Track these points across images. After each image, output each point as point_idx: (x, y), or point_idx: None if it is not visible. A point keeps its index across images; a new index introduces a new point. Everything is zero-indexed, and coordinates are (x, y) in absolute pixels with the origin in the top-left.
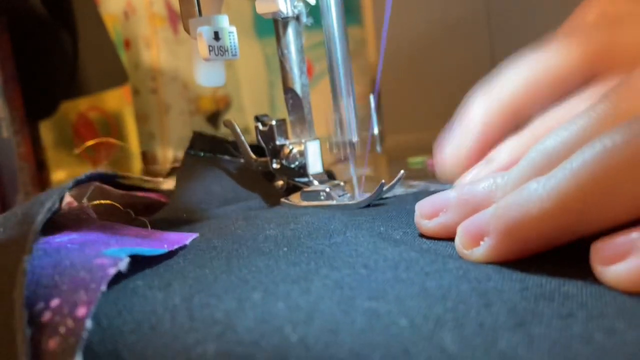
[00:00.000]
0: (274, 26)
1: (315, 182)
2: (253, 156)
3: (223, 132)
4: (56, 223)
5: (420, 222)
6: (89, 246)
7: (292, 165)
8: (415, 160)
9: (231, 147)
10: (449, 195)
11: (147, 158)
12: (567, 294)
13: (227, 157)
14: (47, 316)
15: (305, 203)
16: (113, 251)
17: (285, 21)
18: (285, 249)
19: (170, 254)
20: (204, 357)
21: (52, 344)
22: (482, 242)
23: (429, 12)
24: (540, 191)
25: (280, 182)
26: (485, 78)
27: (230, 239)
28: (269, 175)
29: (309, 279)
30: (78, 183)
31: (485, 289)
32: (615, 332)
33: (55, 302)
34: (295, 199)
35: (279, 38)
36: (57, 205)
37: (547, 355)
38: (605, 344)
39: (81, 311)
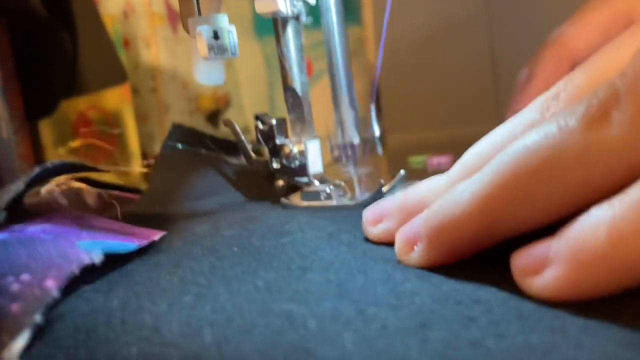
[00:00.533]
0: (274, 25)
1: (316, 182)
2: (253, 155)
3: (223, 131)
4: (29, 212)
5: (365, 228)
6: (62, 237)
7: (292, 165)
8: (416, 160)
9: (209, 140)
10: (391, 202)
11: (147, 157)
12: (478, 299)
13: (204, 151)
14: (15, 287)
15: (305, 203)
16: (86, 244)
17: (285, 20)
18: (235, 249)
19: (130, 253)
20: (127, 359)
21: (15, 307)
22: (415, 247)
23: (429, 11)
24: (463, 193)
25: (281, 182)
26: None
27: (188, 239)
28: (269, 176)
29: (243, 280)
30: (46, 172)
31: (402, 292)
32: (505, 337)
33: (25, 277)
34: (295, 199)
35: (278, 37)
36: (22, 188)
37: (434, 358)
38: (493, 347)
39: (49, 283)
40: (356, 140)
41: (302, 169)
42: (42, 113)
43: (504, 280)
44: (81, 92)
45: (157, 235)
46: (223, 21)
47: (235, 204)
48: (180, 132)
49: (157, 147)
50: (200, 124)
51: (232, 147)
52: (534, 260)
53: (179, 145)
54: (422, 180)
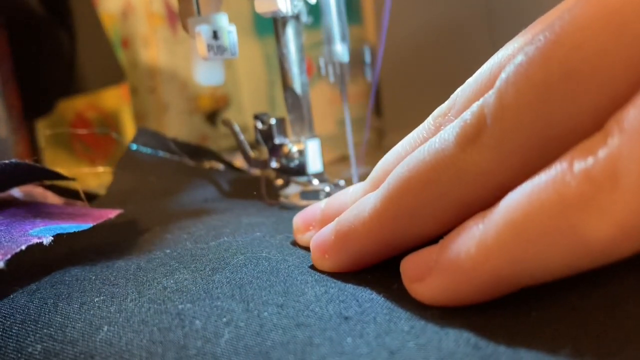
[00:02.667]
0: (274, 25)
1: (315, 181)
2: (252, 155)
3: (222, 131)
4: None
5: (295, 236)
6: (15, 227)
7: (292, 164)
8: None
9: (173, 144)
10: (315, 209)
11: None
12: (363, 299)
13: (167, 155)
14: None
15: (304, 202)
16: (39, 231)
17: (285, 20)
18: (168, 251)
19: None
20: (32, 356)
21: None
22: (326, 255)
23: (429, 11)
24: (365, 206)
25: (280, 181)
26: None
27: (132, 240)
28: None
29: (157, 282)
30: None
31: (293, 292)
32: (365, 336)
33: None
34: (295, 198)
35: (278, 37)
36: None
37: (296, 355)
38: (349, 345)
39: None
40: (345, 58)
41: (302, 169)
42: (40, 113)
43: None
44: (79, 92)
45: (113, 213)
46: (223, 21)
47: (193, 205)
48: (145, 136)
49: None
50: (200, 124)
51: (195, 150)
52: (418, 267)
53: (143, 149)
54: (348, 187)
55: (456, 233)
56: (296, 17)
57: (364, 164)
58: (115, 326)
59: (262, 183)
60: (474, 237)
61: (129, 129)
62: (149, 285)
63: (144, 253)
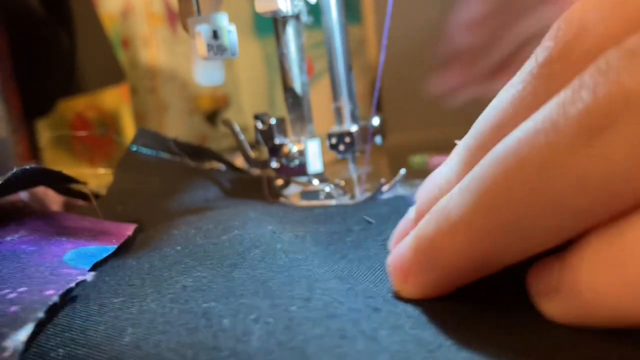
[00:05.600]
0: (274, 25)
1: (315, 181)
2: (252, 155)
3: (222, 131)
4: None
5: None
6: (45, 249)
7: (292, 164)
8: (417, 159)
9: (173, 144)
10: (406, 223)
11: None
12: (389, 296)
13: (168, 156)
14: (12, 295)
15: (304, 203)
16: (72, 258)
17: (285, 20)
18: (179, 247)
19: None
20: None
21: (14, 308)
22: (409, 279)
23: (429, 11)
24: (450, 209)
25: (280, 181)
26: None
27: (138, 238)
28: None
29: (174, 280)
30: (23, 173)
31: (318, 288)
32: (399, 328)
33: (22, 289)
34: (295, 198)
35: (278, 37)
36: None
37: (326, 352)
38: (384, 338)
39: (49, 292)
40: (354, 128)
41: (302, 169)
42: (40, 113)
43: None
44: (79, 92)
45: (129, 229)
46: (223, 21)
47: (195, 204)
48: (145, 136)
49: None
50: (200, 124)
51: (196, 151)
52: (546, 283)
53: (143, 149)
54: (439, 169)
55: (582, 252)
56: (296, 17)
57: (364, 164)
58: (140, 328)
59: (264, 183)
60: (604, 263)
61: (129, 129)
62: (167, 285)
63: (153, 250)
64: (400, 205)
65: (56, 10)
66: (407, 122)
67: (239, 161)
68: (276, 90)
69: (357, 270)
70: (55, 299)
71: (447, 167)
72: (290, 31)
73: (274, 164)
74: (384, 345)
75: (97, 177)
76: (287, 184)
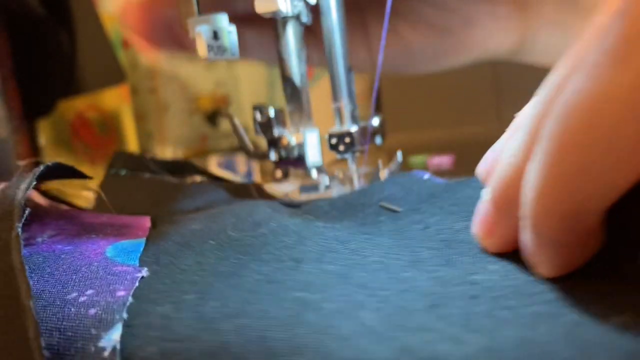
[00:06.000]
0: (274, 25)
1: (314, 174)
2: (252, 147)
3: (222, 131)
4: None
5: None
6: (82, 247)
7: (291, 156)
8: (416, 159)
9: (152, 164)
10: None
11: None
12: (474, 281)
13: (147, 175)
14: (84, 298)
15: (304, 197)
16: (114, 254)
17: (285, 20)
18: (212, 242)
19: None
20: (149, 358)
21: (92, 310)
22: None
23: None
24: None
25: (279, 173)
26: (485, 78)
27: (156, 236)
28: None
29: (238, 274)
30: (47, 169)
31: (403, 278)
32: (511, 308)
33: (89, 291)
34: (294, 195)
35: (278, 37)
36: (34, 184)
37: (454, 326)
38: (503, 317)
39: (120, 292)
40: (354, 128)
41: (301, 160)
42: (41, 113)
43: (488, 263)
44: (79, 92)
45: (147, 221)
46: (223, 21)
47: (197, 205)
48: (123, 158)
49: (156, 148)
50: (200, 124)
51: (176, 166)
52: None
53: (123, 171)
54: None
55: None
56: (296, 17)
57: (364, 163)
58: (233, 317)
59: (253, 190)
60: None
61: (129, 129)
62: (235, 279)
63: (183, 246)
64: (413, 185)
65: (56, 10)
66: (406, 123)
67: (222, 172)
68: (276, 90)
69: (429, 257)
70: (131, 299)
71: (513, 140)
72: (290, 31)
73: (273, 156)
74: (506, 319)
75: (97, 177)
76: (285, 175)
